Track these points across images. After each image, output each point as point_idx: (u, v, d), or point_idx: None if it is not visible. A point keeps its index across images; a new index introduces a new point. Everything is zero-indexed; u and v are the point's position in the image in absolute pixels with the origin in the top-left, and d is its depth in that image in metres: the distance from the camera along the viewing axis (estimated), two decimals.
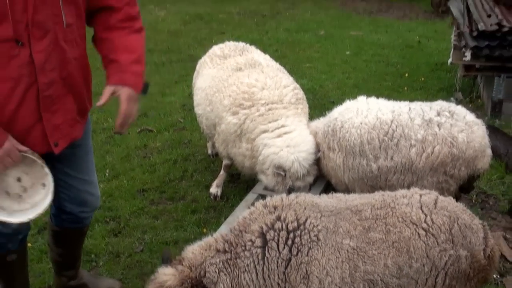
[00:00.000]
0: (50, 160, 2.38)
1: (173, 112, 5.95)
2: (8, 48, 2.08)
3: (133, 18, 2.43)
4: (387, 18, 10.61)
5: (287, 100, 3.77)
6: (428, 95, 6.22)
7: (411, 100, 3.71)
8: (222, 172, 4.31)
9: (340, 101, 3.80)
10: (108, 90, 2.35)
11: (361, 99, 3.66)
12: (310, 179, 3.61)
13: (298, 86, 4.03)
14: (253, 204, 2.60)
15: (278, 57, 7.09)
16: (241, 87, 3.81)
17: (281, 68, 4.27)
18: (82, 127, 2.50)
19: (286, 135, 3.60)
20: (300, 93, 3.96)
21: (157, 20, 9.77)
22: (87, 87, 2.46)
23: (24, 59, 2.12)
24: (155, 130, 5.50)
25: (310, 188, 3.65)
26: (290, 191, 3.47)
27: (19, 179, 2.34)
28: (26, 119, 2.23)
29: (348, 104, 3.64)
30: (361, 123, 3.40)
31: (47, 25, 2.13)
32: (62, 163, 2.53)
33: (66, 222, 2.87)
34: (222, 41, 8.01)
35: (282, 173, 3.49)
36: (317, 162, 3.63)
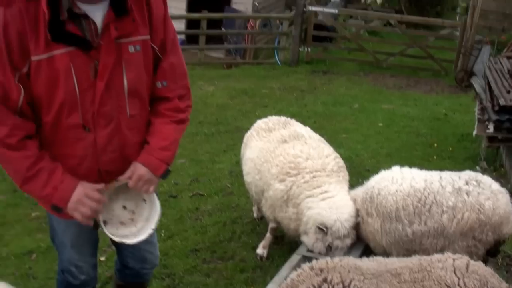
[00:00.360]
0: None
1: (222, 178, 6.03)
2: (76, 132, 2.23)
3: (179, 110, 2.47)
4: (415, 93, 10.65)
5: (329, 168, 3.85)
6: (456, 164, 6.20)
7: (440, 168, 3.74)
8: (268, 234, 4.35)
9: (375, 169, 3.86)
10: (132, 166, 2.39)
11: (395, 169, 3.73)
12: (348, 241, 3.60)
13: (338, 155, 4.10)
14: (297, 265, 2.63)
15: (316, 128, 7.16)
16: (288, 158, 3.91)
17: (322, 139, 4.35)
18: None
19: (329, 199, 3.66)
20: (341, 162, 4.04)
21: (206, 95, 9.94)
22: None
23: (89, 141, 2.26)
24: (205, 195, 5.59)
25: (349, 251, 3.64)
26: (329, 249, 3.51)
27: (124, 207, 2.45)
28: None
29: (384, 174, 3.70)
30: (396, 191, 3.46)
31: (112, 115, 2.25)
32: None
33: (129, 277, 2.95)
34: (265, 113, 8.14)
35: (325, 229, 3.50)
36: (356, 227, 3.66)
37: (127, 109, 2.28)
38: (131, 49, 2.20)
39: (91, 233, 2.65)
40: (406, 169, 3.71)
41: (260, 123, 4.57)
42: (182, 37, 15.13)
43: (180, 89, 2.48)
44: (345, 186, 3.89)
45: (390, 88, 11.07)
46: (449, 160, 6.54)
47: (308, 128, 4.49)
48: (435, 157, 6.61)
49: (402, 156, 6.61)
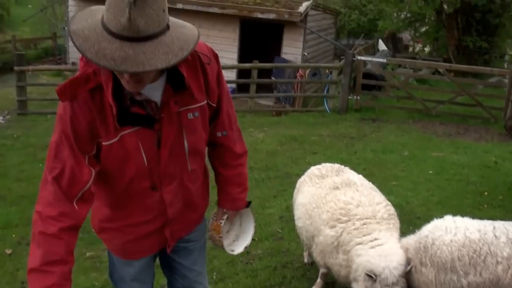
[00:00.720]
0: (166, 251, 2.60)
1: (272, 223, 6.00)
2: (146, 193, 2.31)
3: (242, 155, 2.63)
4: (465, 140, 10.46)
5: (379, 215, 3.79)
6: (506, 213, 6.02)
7: (491, 217, 3.64)
8: (319, 280, 4.29)
9: (425, 217, 3.77)
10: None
11: (448, 218, 3.64)
12: None
13: (389, 203, 4.03)
14: None
15: (366, 175, 7.07)
16: (338, 204, 3.88)
17: (374, 186, 4.29)
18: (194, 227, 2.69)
19: (379, 246, 3.59)
20: (392, 210, 3.96)
21: (256, 141, 10.00)
22: (205, 200, 2.66)
23: (156, 198, 2.34)
24: (256, 239, 5.55)
25: None
26: None
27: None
28: (151, 234, 2.46)
29: (437, 222, 3.61)
30: (451, 241, 3.36)
31: (175, 173, 2.32)
32: (178, 255, 2.69)
33: None
34: (315, 160, 8.12)
35: (373, 276, 3.42)
36: (407, 276, 3.57)
37: (188, 165, 2.35)
38: (190, 116, 2.24)
39: (151, 268, 2.72)
40: (458, 218, 3.62)
41: (314, 170, 4.56)
42: (233, 85, 15.42)
43: (235, 133, 2.58)
44: (395, 233, 3.80)
45: (439, 135, 10.91)
46: (500, 208, 6.34)
47: (361, 176, 4.44)
48: (485, 206, 6.43)
49: (452, 204, 6.45)
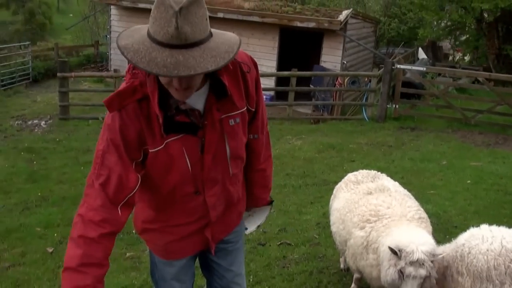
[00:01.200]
0: (205, 252, 2.71)
1: (309, 229, 6.07)
2: (189, 196, 2.42)
3: (267, 158, 2.76)
4: (504, 150, 10.35)
5: (410, 215, 3.75)
6: None
7: None
8: (353, 285, 4.33)
9: (462, 226, 3.77)
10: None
11: (484, 227, 3.63)
12: (423, 272, 3.28)
13: (422, 209, 3.98)
14: None
15: (404, 184, 7.06)
16: (369, 207, 3.92)
17: (409, 194, 4.28)
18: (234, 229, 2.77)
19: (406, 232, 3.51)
20: (423, 214, 3.89)
21: (294, 149, 10.03)
22: (243, 201, 2.76)
23: (199, 201, 2.44)
24: (293, 244, 5.64)
25: None
26: (401, 275, 3.27)
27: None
28: (192, 235, 2.56)
29: (473, 231, 3.60)
30: (487, 250, 3.36)
31: (218, 178, 2.42)
32: (217, 256, 2.77)
33: None
34: (352, 167, 8.15)
35: (398, 252, 3.28)
36: (444, 285, 3.53)
37: (230, 170, 2.45)
38: (231, 122, 2.34)
39: (191, 269, 2.80)
40: (495, 228, 3.61)
41: (350, 176, 4.62)
42: (272, 93, 15.53)
43: (265, 137, 2.69)
44: (428, 234, 3.59)
45: (478, 145, 10.82)
46: None
47: (396, 183, 4.45)
48: None
49: (490, 214, 6.41)
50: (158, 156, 2.26)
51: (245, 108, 2.41)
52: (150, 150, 2.24)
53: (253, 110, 2.49)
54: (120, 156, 2.18)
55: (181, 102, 2.20)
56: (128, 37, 2.01)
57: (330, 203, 4.65)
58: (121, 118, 2.16)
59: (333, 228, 4.37)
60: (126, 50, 1.95)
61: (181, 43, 1.89)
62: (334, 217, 4.37)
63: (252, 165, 2.70)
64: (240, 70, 2.35)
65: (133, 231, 5.37)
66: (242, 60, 2.37)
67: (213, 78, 2.24)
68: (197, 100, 2.26)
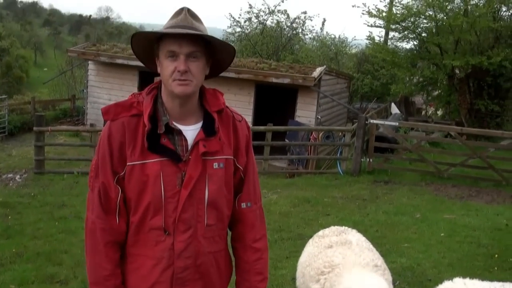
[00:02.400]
0: None
1: (284, 284, 6.03)
2: (157, 235, 2.39)
3: (262, 237, 2.63)
4: (477, 203, 10.51)
5: (364, 263, 3.63)
6: None
7: (501, 279, 3.68)
8: None
9: (436, 279, 3.81)
10: None
11: (458, 280, 3.66)
12: None
13: (382, 260, 3.87)
14: None
15: (378, 237, 7.20)
16: (325, 259, 3.80)
17: (372, 248, 4.12)
18: None
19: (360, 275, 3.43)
20: (381, 263, 3.75)
21: (270, 203, 10.07)
22: (221, 278, 2.60)
23: (167, 245, 2.39)
24: None
25: None
26: None
27: None
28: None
29: (447, 285, 3.62)
30: None
31: (191, 222, 2.40)
32: None
33: None
34: (328, 221, 8.17)
35: None
36: None
37: (205, 218, 2.42)
38: (215, 165, 2.40)
39: None
40: (468, 281, 3.64)
41: (320, 231, 4.52)
42: None
43: (259, 210, 2.64)
44: (382, 278, 3.49)
45: (451, 198, 10.97)
46: (510, 271, 6.37)
47: (362, 238, 4.28)
48: (496, 268, 6.46)
49: (463, 266, 6.48)
50: (134, 172, 2.32)
51: (232, 157, 2.48)
52: (127, 164, 2.33)
53: (241, 168, 2.54)
54: (104, 165, 2.35)
55: (171, 121, 2.34)
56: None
57: None
58: (110, 130, 2.35)
59: (297, 283, 4.25)
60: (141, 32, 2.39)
61: (188, 25, 2.27)
62: (298, 272, 4.28)
63: (245, 241, 2.60)
64: (233, 120, 2.51)
65: None
66: (235, 112, 2.56)
67: (206, 118, 2.41)
68: (188, 132, 2.38)
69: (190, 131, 2.38)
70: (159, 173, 2.32)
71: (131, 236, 2.44)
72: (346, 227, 4.53)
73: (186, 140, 2.37)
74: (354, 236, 4.21)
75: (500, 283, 3.56)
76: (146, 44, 2.40)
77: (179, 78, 2.27)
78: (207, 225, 2.44)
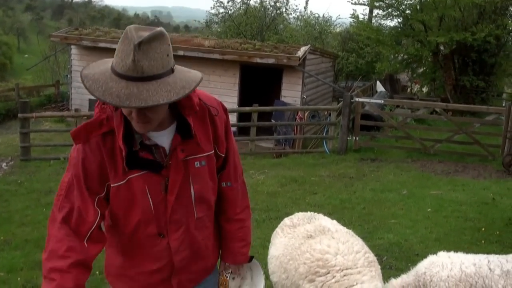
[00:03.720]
0: None
1: None
2: (153, 239, 2.38)
3: (244, 209, 2.68)
4: (463, 178, 10.56)
5: (360, 264, 3.56)
6: (504, 247, 6.11)
7: (488, 252, 3.69)
8: None
9: (424, 254, 3.80)
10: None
11: (442, 254, 3.67)
12: None
13: (368, 250, 3.79)
14: None
15: (365, 214, 7.20)
16: (315, 254, 3.61)
17: (350, 231, 4.03)
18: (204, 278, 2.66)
19: None
20: (371, 257, 3.69)
21: (257, 183, 10.07)
22: (214, 253, 2.66)
23: (163, 246, 2.39)
24: None
25: None
26: None
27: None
28: (159, 283, 2.48)
29: (433, 259, 3.63)
30: (448, 277, 3.40)
31: (182, 221, 2.38)
32: None
33: None
34: (315, 200, 8.17)
35: None
36: None
37: (195, 213, 2.41)
38: (197, 164, 2.34)
39: None
40: (452, 254, 3.67)
41: (286, 220, 4.30)
42: (234, 129, 15.60)
43: (240, 186, 2.65)
44: (379, 283, 3.54)
45: (438, 174, 11.02)
46: (497, 244, 6.42)
47: (334, 221, 4.18)
48: (483, 241, 6.50)
49: (450, 240, 6.51)
50: (120, 191, 2.25)
51: (212, 152, 2.42)
52: (111, 185, 2.24)
53: (223, 155, 2.50)
54: (80, 189, 2.20)
55: (146, 137, 2.23)
56: (93, 68, 2.06)
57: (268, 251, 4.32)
58: (84, 152, 2.19)
59: (273, 278, 3.98)
60: (86, 78, 1.99)
61: (138, 76, 1.93)
62: (273, 266, 3.99)
63: (228, 214, 2.63)
64: (209, 114, 2.38)
65: (97, 272, 5.25)
66: (211, 104, 2.41)
67: (180, 119, 2.27)
68: (163, 138, 2.27)
69: (165, 136, 2.28)
70: (144, 187, 2.26)
71: (125, 245, 2.43)
72: (311, 213, 4.36)
73: (163, 147, 2.29)
74: (327, 221, 4.10)
75: (485, 255, 3.59)
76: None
77: (137, 121, 2.10)
78: (198, 218, 2.44)
